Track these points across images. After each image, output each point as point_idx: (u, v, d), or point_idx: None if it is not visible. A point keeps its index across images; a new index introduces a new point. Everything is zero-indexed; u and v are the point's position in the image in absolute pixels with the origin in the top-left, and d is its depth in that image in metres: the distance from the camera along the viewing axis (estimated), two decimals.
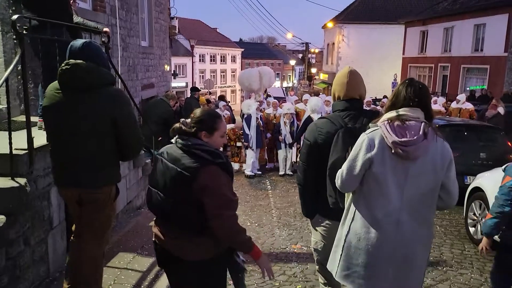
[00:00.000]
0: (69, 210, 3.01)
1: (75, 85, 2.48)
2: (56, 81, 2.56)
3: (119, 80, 5.43)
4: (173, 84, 13.87)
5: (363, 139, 2.07)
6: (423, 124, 2.02)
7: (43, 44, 3.45)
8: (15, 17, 2.83)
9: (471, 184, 5.56)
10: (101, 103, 2.50)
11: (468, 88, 19.77)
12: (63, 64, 2.51)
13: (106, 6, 6.64)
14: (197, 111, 2.21)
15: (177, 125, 2.18)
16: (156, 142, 6.55)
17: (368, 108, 10.80)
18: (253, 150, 8.88)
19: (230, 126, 8.97)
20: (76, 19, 4.28)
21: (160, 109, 7.04)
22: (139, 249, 4.21)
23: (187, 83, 32.97)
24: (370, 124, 2.15)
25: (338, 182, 2.17)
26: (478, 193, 5.26)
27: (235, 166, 9.36)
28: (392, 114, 2.06)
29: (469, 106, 10.81)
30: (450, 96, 17.47)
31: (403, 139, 1.97)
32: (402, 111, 2.04)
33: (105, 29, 4.68)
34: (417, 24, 25.11)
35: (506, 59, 17.81)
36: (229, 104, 12.99)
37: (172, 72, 12.72)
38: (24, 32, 2.94)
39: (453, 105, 11.19)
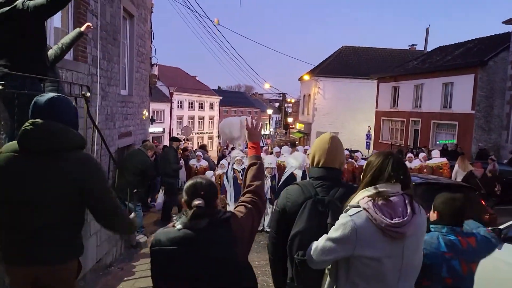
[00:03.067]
0: None
1: (39, 148, 2.14)
2: (14, 142, 2.22)
3: (96, 131, 5.30)
4: (150, 130, 13.74)
5: (346, 221, 1.90)
6: (406, 197, 1.93)
7: (19, 97, 3.29)
8: None
9: None
10: (67, 170, 2.16)
11: (438, 142, 20.49)
12: (26, 124, 2.17)
13: (88, 56, 6.61)
14: (203, 188, 2.00)
15: (195, 210, 1.93)
16: (132, 194, 6.33)
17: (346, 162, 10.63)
18: (228, 204, 8.29)
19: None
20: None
21: (137, 160, 6.84)
22: None
23: (164, 128, 32.92)
24: (349, 205, 1.99)
25: (309, 254, 2.03)
26: None
27: None
28: (370, 191, 1.94)
29: (442, 160, 10.88)
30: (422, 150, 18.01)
31: (395, 221, 1.84)
32: (381, 187, 1.93)
33: (84, 28, 4.22)
34: (389, 80, 26.35)
35: (474, 116, 18.72)
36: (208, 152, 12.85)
37: (150, 118, 12.62)
38: (1, 87, 2.83)
39: (429, 162, 11.05)
